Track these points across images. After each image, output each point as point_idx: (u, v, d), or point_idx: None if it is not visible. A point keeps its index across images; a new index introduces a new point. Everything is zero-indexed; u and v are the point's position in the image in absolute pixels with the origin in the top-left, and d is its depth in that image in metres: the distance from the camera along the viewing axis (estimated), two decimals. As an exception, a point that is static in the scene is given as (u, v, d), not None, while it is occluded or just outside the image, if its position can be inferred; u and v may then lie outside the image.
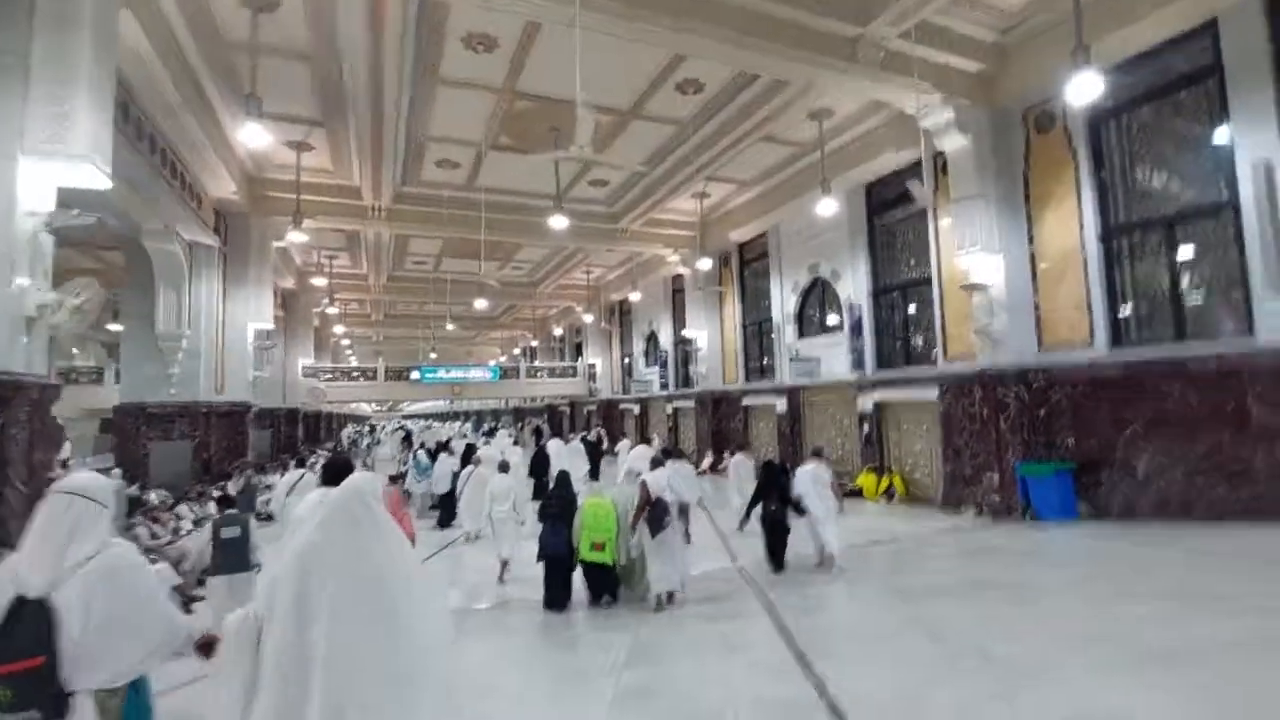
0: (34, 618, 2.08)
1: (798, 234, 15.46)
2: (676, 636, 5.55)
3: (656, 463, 6.91)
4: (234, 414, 14.25)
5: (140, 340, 12.87)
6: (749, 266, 18.35)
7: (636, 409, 25.30)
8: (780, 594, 6.51)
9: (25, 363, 5.16)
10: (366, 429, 49.09)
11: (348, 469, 2.86)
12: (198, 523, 9.30)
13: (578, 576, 6.45)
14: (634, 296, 22.02)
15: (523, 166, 13.96)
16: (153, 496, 10.68)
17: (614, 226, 17.60)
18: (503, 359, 41.87)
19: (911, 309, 12.90)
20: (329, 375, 26.39)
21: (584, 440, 17.06)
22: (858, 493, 12.54)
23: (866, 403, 13.17)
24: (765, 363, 17.52)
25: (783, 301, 16.01)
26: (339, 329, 29.72)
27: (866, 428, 13.19)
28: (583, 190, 15.84)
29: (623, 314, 27.36)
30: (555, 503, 6.64)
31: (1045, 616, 5.47)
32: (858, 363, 13.19)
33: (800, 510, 7.39)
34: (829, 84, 9.69)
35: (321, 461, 9.90)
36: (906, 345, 13.03)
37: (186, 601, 6.62)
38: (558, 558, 6.31)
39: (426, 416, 64.41)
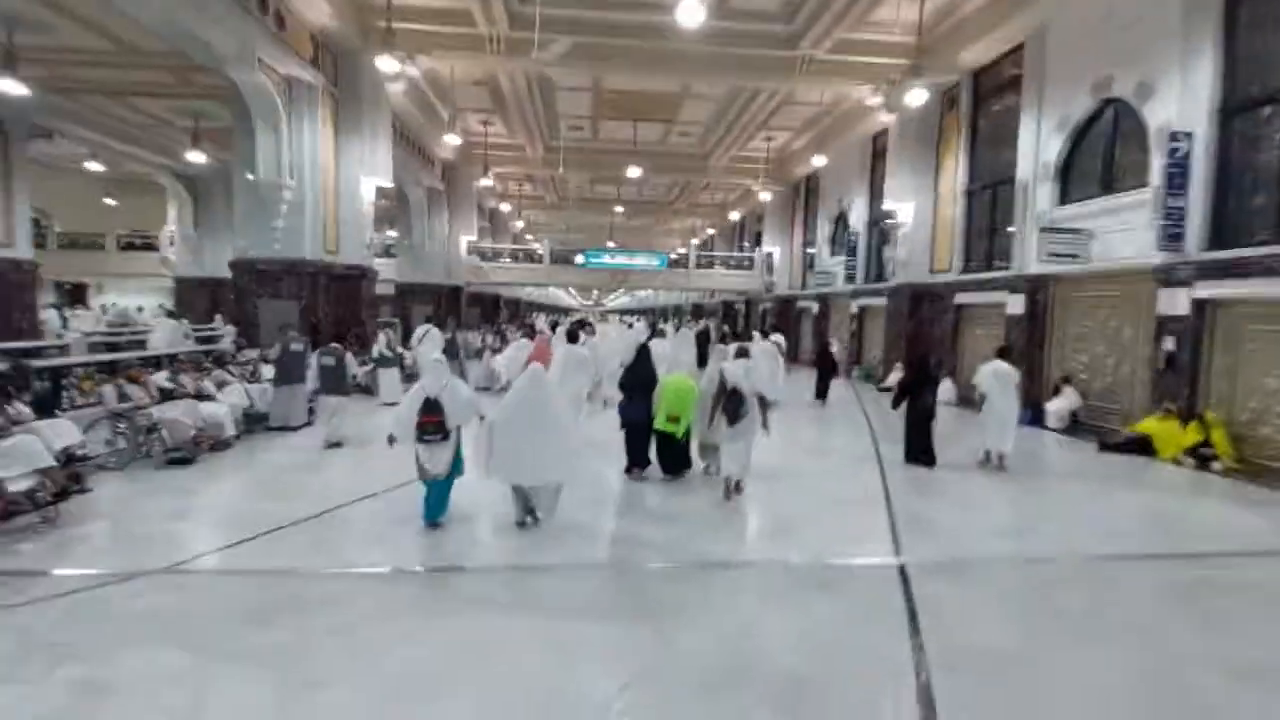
0: None
1: (1079, 36, 9.78)
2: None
3: (741, 353, 6.50)
4: (349, 278, 13.25)
5: (248, 190, 11.93)
6: (987, 105, 12.80)
7: (815, 307, 21.02)
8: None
9: None
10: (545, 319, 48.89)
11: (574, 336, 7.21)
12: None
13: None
14: (818, 162, 17.34)
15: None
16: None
17: (793, 53, 13.02)
18: (680, 250, 38.94)
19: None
20: (495, 256, 25.71)
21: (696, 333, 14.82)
22: (1138, 445, 7.83)
23: (1177, 301, 7.99)
24: (994, 246, 12.35)
25: (1039, 147, 10.57)
26: (505, 206, 28.75)
27: (1170, 343, 8.10)
28: (746, -7, 11.52)
29: (808, 193, 22.50)
30: (631, 376, 6.68)
31: None
32: (1170, 235, 7.91)
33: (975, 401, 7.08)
34: None
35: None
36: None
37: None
38: (636, 425, 6.60)
39: (628, 312, 64.08)
